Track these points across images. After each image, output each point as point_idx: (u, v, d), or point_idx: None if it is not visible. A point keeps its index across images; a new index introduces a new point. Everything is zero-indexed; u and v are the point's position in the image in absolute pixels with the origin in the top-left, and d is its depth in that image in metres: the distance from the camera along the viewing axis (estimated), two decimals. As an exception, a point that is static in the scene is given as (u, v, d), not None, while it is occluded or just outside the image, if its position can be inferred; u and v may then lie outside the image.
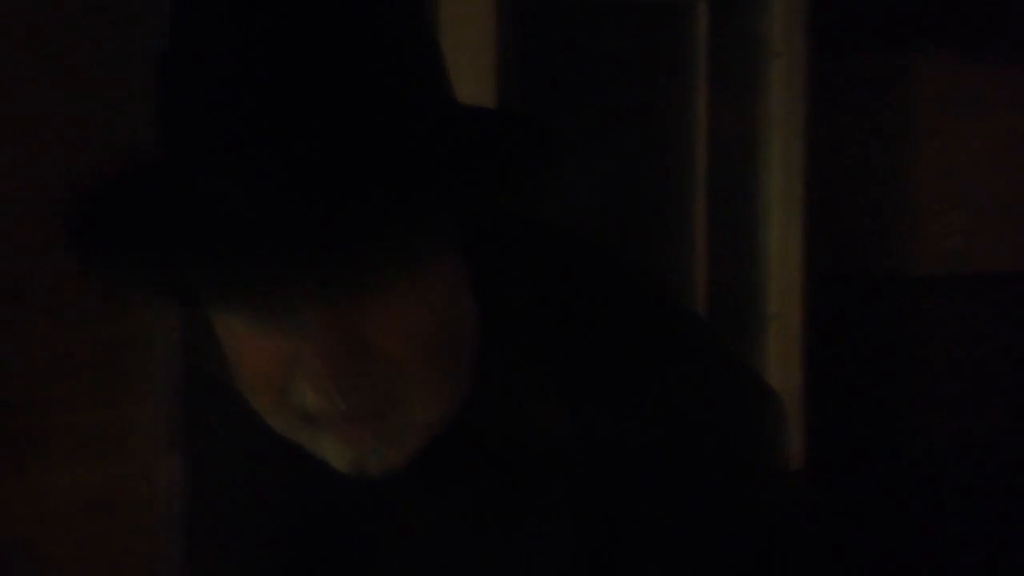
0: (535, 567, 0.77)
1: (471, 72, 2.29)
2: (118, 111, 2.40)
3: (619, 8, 3.00)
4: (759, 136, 3.60)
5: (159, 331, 2.47)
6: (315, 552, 0.86)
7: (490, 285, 0.76)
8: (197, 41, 0.65)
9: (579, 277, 0.79)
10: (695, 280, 3.24)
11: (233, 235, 0.62)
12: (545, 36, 2.73)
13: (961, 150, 4.19)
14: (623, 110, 3.14)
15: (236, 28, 0.63)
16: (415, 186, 0.64)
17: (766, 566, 0.76)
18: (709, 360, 0.79)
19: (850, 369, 4.01)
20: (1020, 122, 4.44)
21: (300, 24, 0.63)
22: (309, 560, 0.86)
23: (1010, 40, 4.32)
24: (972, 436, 4.17)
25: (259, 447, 0.83)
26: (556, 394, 0.75)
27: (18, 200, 2.35)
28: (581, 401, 0.75)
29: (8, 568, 2.35)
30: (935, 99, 4.11)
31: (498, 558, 0.78)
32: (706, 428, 0.75)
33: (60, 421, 2.39)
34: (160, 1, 0.71)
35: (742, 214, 3.53)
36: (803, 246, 3.61)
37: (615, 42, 3.02)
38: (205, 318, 0.81)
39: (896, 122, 4.07)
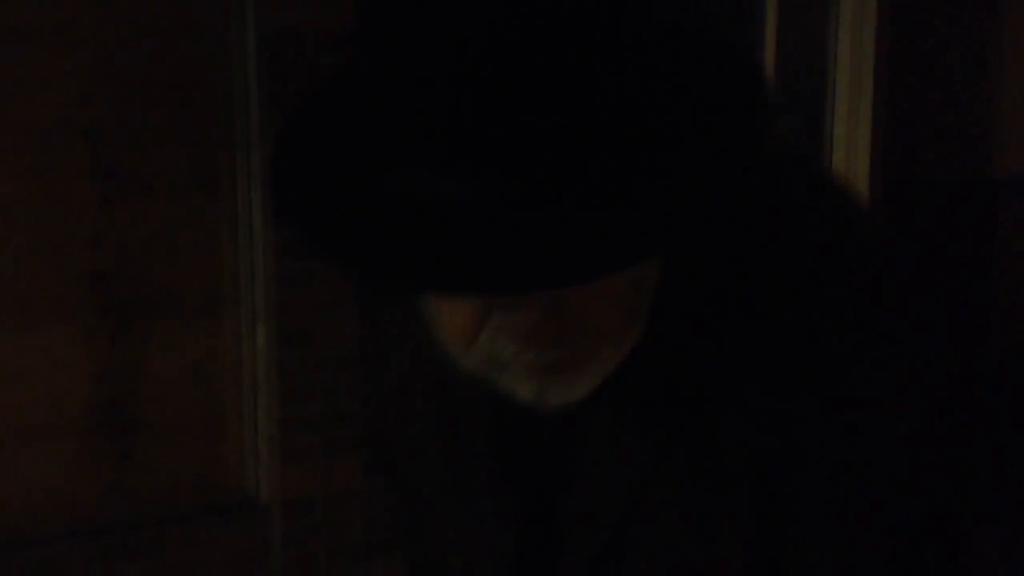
0: (702, 489, 0.79)
1: None
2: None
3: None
4: (828, 31, 3.62)
5: (250, 216, 2.72)
6: (500, 465, 0.88)
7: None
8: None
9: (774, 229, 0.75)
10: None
11: (462, 236, 0.61)
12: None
13: None
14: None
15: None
16: (645, 229, 0.62)
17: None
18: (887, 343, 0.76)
19: (928, 275, 3.91)
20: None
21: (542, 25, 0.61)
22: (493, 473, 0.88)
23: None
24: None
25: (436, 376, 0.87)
26: (728, 342, 0.75)
27: (120, 92, 2.57)
28: (754, 365, 0.75)
29: (112, 431, 2.63)
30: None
31: (663, 481, 0.80)
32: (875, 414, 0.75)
33: (158, 294, 2.64)
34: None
35: (809, 111, 3.58)
36: (871, 150, 3.62)
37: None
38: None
39: (981, 15, 3.95)
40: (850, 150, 3.65)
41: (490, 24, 0.61)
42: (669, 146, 0.63)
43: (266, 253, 2.69)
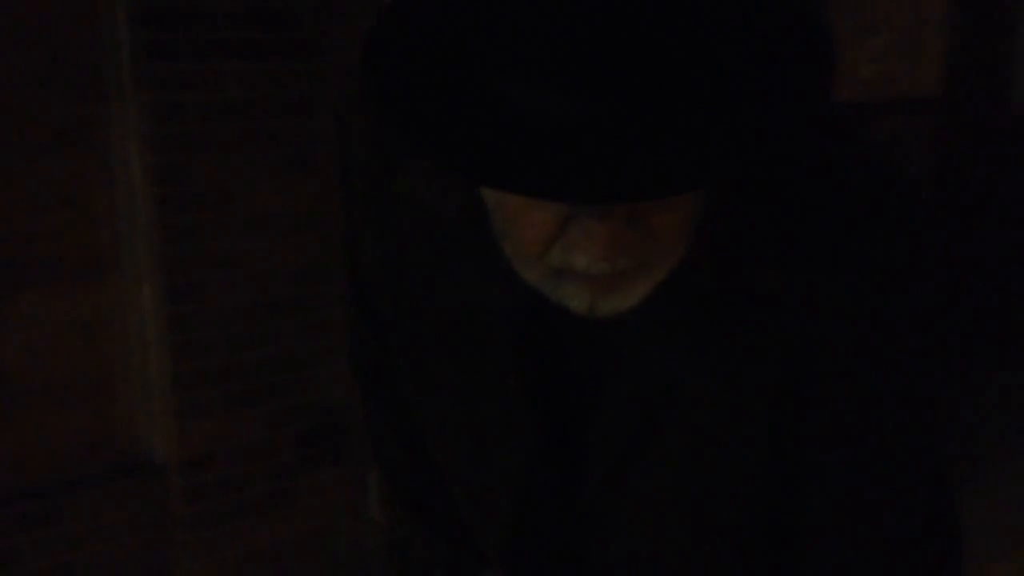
0: (735, 401, 0.85)
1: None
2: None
3: None
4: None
5: (128, 170, 2.61)
6: (542, 369, 0.92)
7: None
8: None
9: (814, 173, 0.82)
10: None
11: (568, 143, 0.66)
12: None
13: None
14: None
15: None
16: (734, 149, 0.68)
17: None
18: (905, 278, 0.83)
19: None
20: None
21: None
22: (533, 377, 0.92)
23: None
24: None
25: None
26: (765, 266, 0.81)
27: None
28: (788, 278, 0.81)
29: None
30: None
31: (704, 396, 0.85)
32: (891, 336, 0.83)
33: (33, 255, 2.52)
34: None
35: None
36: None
37: None
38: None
39: None
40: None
41: None
42: (753, 89, 0.70)
43: (147, 208, 2.59)
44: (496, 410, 0.95)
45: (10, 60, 2.44)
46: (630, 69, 0.66)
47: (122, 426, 2.71)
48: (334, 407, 2.91)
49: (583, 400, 0.92)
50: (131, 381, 2.70)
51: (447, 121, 0.70)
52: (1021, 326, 5.12)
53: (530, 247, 0.76)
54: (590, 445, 0.91)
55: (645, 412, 0.87)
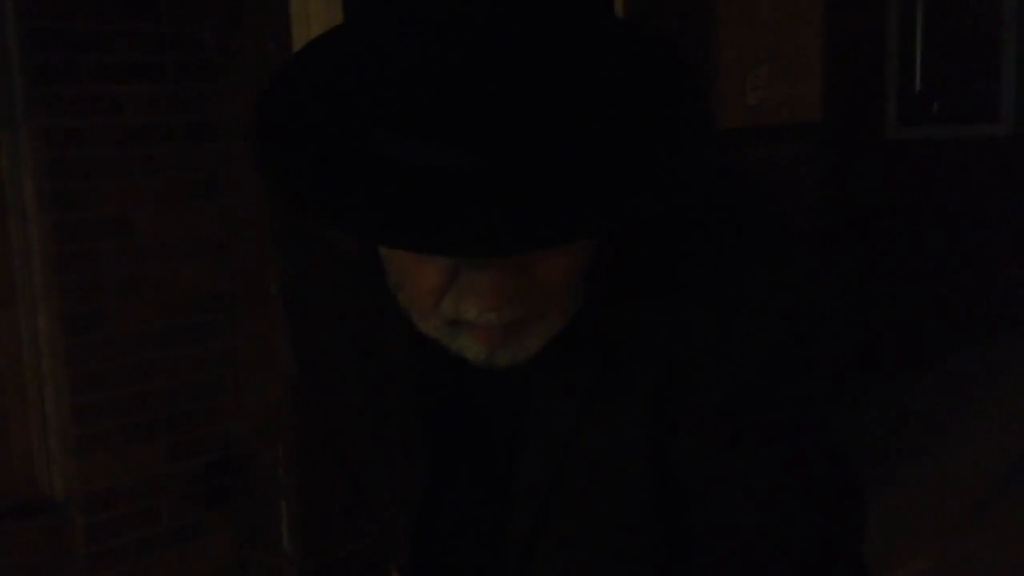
0: (621, 446, 0.87)
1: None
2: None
3: None
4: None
5: (22, 197, 2.52)
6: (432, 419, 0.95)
7: None
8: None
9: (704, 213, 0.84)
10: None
11: (444, 197, 0.67)
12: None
13: (757, 9, 4.46)
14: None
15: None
16: (611, 203, 0.70)
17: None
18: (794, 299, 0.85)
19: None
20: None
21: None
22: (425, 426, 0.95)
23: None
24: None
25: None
26: (659, 312, 0.83)
27: None
28: (681, 322, 0.83)
29: None
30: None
31: (592, 436, 0.88)
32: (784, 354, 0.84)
33: None
34: None
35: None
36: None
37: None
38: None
39: None
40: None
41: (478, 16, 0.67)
42: (633, 135, 0.73)
43: (42, 236, 2.51)
44: (399, 449, 0.98)
45: None
46: (506, 122, 0.67)
47: (20, 463, 2.60)
48: (241, 437, 2.84)
49: (493, 447, 0.94)
50: (28, 416, 2.60)
51: (326, 181, 0.71)
52: (900, 339, 5.32)
53: (422, 299, 0.77)
54: (511, 494, 0.93)
55: (556, 459, 0.89)
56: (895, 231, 5.90)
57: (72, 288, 2.53)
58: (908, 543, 3.33)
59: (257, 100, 0.78)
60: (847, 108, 5.71)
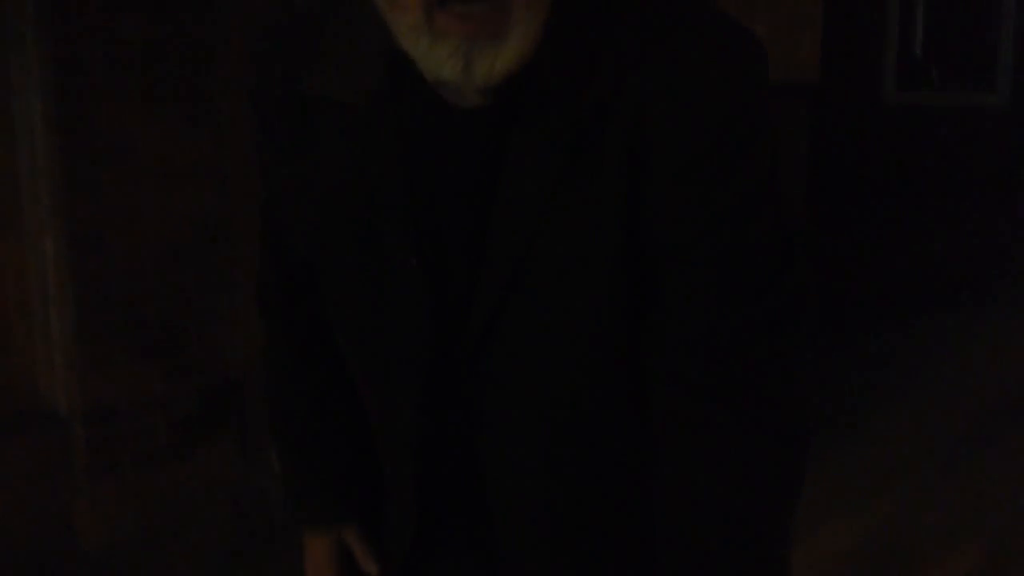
0: (591, 200, 0.90)
1: None
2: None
3: None
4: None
5: (30, 120, 2.61)
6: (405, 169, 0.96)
7: None
8: None
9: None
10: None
11: None
12: None
13: None
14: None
15: None
16: None
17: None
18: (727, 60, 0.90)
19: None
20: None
21: None
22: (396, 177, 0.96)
23: None
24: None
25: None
26: (609, 60, 0.89)
27: None
28: (628, 70, 0.89)
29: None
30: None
31: (559, 192, 0.90)
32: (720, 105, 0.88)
33: None
34: None
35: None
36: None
37: None
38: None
39: None
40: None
41: None
42: None
43: (51, 159, 2.60)
44: (392, 244, 0.98)
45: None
46: None
47: (25, 379, 2.71)
48: (238, 360, 2.95)
49: (470, 211, 0.96)
50: (33, 334, 2.70)
51: None
52: (889, 301, 5.41)
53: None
54: (485, 258, 0.95)
55: (533, 218, 0.92)
56: (888, 194, 5.98)
57: (78, 212, 2.63)
58: (871, 485, 3.45)
59: None
60: (845, 70, 5.77)
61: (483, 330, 0.96)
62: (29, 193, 2.65)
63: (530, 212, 0.92)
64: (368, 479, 1.20)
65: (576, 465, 1.02)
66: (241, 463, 2.98)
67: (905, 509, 3.28)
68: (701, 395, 0.93)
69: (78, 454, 2.70)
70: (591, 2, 0.91)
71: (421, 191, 0.97)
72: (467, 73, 0.85)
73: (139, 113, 2.69)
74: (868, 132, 6.03)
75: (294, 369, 1.23)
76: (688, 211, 0.90)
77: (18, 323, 2.69)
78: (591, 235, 0.91)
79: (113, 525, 2.74)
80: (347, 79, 0.97)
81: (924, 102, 6.12)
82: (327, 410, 1.23)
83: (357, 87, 0.97)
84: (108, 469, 2.73)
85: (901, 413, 4.09)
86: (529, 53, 0.87)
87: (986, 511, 3.27)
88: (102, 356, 2.70)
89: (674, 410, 0.95)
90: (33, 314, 2.69)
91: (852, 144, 6.00)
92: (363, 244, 1.01)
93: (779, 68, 4.79)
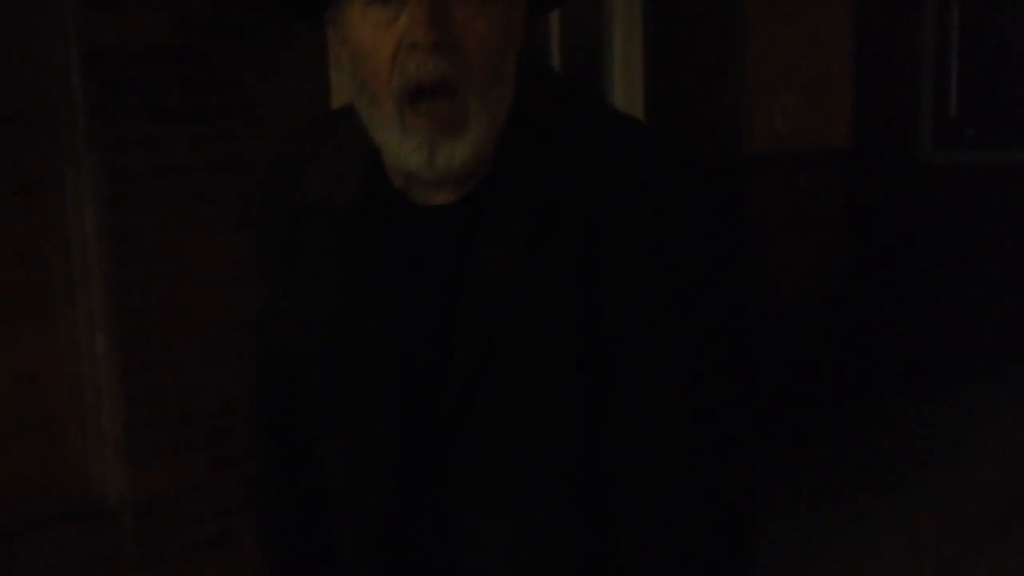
0: (549, 298, 0.98)
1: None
2: None
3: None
4: (603, 30, 3.97)
5: (83, 226, 2.75)
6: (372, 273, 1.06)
7: (527, 78, 1.01)
8: None
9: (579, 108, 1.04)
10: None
11: None
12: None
13: (784, 37, 4.56)
14: None
15: None
16: None
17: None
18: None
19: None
20: (834, 11, 4.83)
21: None
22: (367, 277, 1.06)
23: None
24: (799, 296, 4.63)
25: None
26: (566, 160, 0.98)
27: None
28: (587, 179, 0.97)
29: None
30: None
31: (520, 286, 0.98)
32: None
33: None
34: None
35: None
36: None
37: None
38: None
39: (725, 17, 4.40)
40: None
41: None
42: None
43: (102, 263, 2.73)
44: (369, 345, 1.06)
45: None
46: None
47: (76, 471, 2.83)
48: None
49: (440, 303, 1.03)
50: (85, 427, 2.82)
51: None
52: (930, 365, 5.37)
53: (383, 68, 0.94)
54: (456, 341, 1.01)
55: (498, 301, 0.99)
56: (927, 255, 5.96)
57: (126, 311, 2.75)
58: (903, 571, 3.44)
59: None
60: (880, 132, 5.79)
61: (454, 413, 1.03)
62: (81, 293, 2.78)
63: (496, 295, 0.99)
64: None
65: (547, 543, 1.07)
66: (283, 550, 3.06)
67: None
68: (650, 475, 0.99)
69: (126, 544, 2.80)
70: (547, 108, 1.01)
71: (398, 286, 1.05)
72: (431, 164, 0.96)
73: (186, 217, 2.82)
74: (906, 192, 6.04)
75: (281, 494, 1.30)
76: (634, 306, 0.97)
77: (70, 417, 2.80)
78: (551, 319, 0.98)
79: (161, 614, 2.84)
80: (333, 185, 1.07)
81: (961, 161, 6.12)
82: (313, 531, 1.29)
83: (341, 192, 1.07)
84: (157, 559, 2.83)
85: (939, 482, 4.07)
86: (486, 148, 0.98)
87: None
88: (149, 448, 2.81)
89: (625, 487, 1.01)
90: (85, 408, 2.81)
91: (890, 205, 6.01)
92: (342, 344, 1.09)
93: (810, 137, 4.82)
